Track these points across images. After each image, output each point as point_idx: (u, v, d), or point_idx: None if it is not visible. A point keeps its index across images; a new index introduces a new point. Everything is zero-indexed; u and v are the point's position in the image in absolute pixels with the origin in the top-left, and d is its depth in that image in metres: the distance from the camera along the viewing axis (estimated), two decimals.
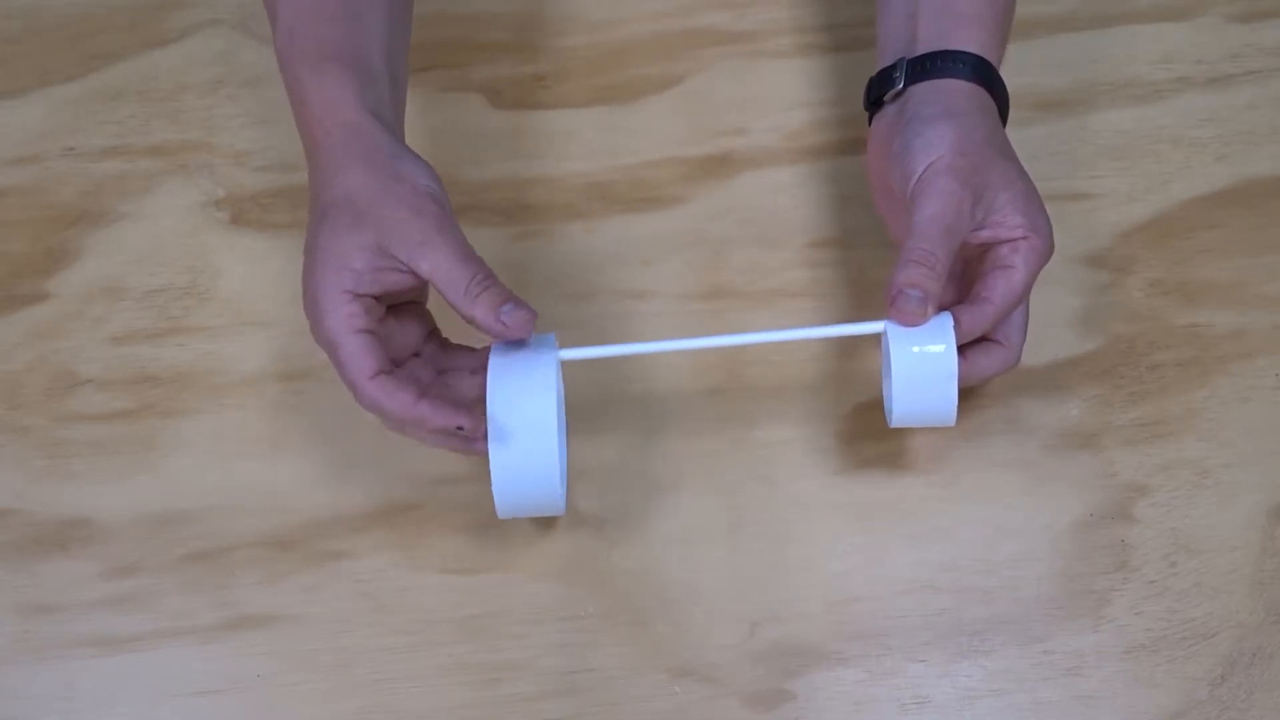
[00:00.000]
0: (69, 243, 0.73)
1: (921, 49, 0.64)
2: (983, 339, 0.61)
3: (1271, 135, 0.75)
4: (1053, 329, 0.70)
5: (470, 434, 0.57)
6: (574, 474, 0.66)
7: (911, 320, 0.58)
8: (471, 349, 0.62)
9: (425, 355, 0.61)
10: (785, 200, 0.74)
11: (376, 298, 0.58)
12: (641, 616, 0.63)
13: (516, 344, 0.59)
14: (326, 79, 0.60)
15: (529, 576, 0.64)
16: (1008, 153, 0.62)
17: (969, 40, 0.63)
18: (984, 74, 0.63)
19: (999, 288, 0.59)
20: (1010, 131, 0.76)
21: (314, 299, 0.57)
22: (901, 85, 0.63)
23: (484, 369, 0.58)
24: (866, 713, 0.61)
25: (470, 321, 0.57)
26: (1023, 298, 0.60)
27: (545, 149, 0.75)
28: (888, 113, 0.64)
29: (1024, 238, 0.59)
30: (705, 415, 0.68)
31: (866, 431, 0.67)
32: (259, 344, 0.70)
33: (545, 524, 0.65)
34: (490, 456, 0.57)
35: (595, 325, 0.70)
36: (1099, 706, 0.61)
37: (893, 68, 0.64)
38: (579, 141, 0.75)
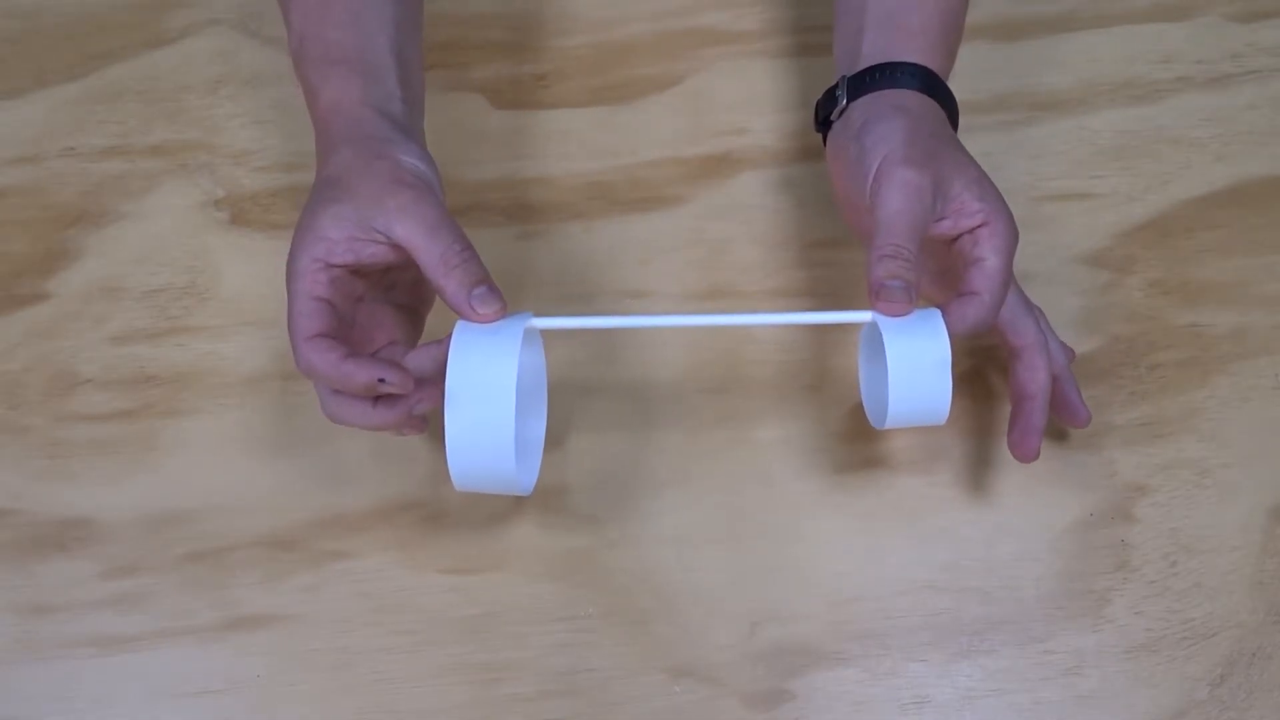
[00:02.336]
0: (69, 243, 0.73)
1: (864, 64, 0.64)
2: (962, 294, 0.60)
3: (1271, 135, 0.75)
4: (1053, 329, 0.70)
5: (397, 389, 0.56)
6: (574, 474, 0.66)
7: (898, 310, 0.57)
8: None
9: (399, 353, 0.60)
10: (785, 200, 0.74)
11: (353, 271, 0.58)
12: (641, 616, 0.63)
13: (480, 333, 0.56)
14: (333, 81, 0.61)
15: (529, 576, 0.64)
16: (957, 143, 0.62)
17: (910, 51, 0.63)
18: (928, 83, 0.63)
19: (980, 280, 0.59)
20: (1010, 131, 0.76)
21: (288, 269, 0.58)
22: (845, 102, 0.64)
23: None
24: (866, 713, 0.61)
25: (441, 294, 0.57)
26: (1005, 283, 0.59)
27: (545, 149, 0.75)
28: (836, 129, 0.64)
29: (982, 224, 0.59)
30: (705, 415, 0.68)
31: (866, 431, 0.67)
32: (259, 344, 0.70)
33: (545, 524, 0.65)
34: (445, 421, 0.54)
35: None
36: (1099, 706, 0.61)
37: (835, 87, 0.65)
38: (579, 141, 0.75)
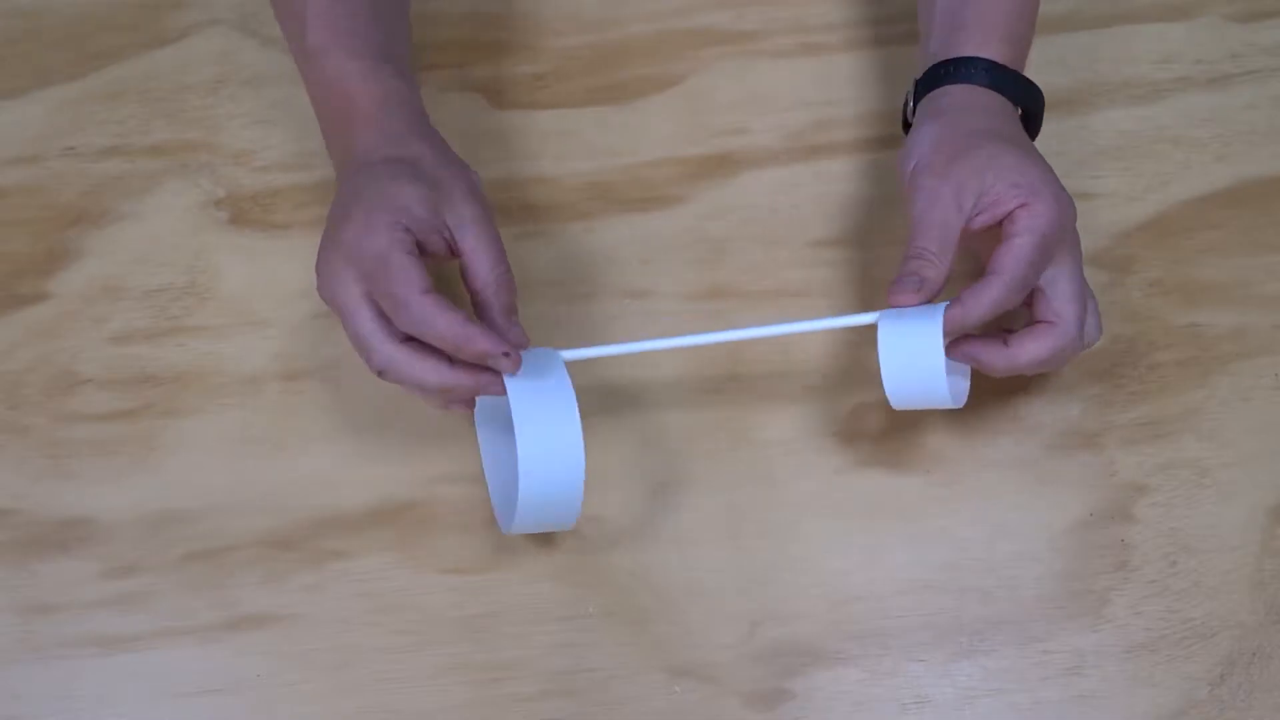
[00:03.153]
0: (69, 242, 0.73)
1: (927, 65, 0.66)
2: (1034, 323, 0.61)
3: (1271, 135, 0.75)
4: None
5: (509, 368, 0.57)
6: None
7: (903, 300, 0.60)
8: None
9: None
10: (785, 200, 0.73)
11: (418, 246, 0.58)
12: (641, 616, 0.63)
13: (528, 370, 0.58)
14: (385, 71, 0.63)
15: (529, 576, 0.64)
16: (998, 136, 0.62)
17: (967, 45, 0.65)
18: (993, 76, 0.64)
19: (1004, 258, 0.59)
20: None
21: (364, 222, 0.57)
22: (912, 105, 0.67)
23: None
24: (866, 712, 0.61)
25: (481, 307, 0.60)
26: (1033, 261, 0.59)
27: (545, 149, 0.75)
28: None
29: (1019, 206, 0.60)
30: (705, 415, 0.68)
31: (866, 431, 0.67)
32: (259, 344, 0.70)
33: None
34: (520, 484, 0.56)
35: (595, 325, 0.70)
36: (1099, 706, 0.61)
37: (909, 94, 0.68)
38: (579, 141, 0.75)
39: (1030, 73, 0.78)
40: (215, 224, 0.73)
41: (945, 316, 0.59)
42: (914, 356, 0.59)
